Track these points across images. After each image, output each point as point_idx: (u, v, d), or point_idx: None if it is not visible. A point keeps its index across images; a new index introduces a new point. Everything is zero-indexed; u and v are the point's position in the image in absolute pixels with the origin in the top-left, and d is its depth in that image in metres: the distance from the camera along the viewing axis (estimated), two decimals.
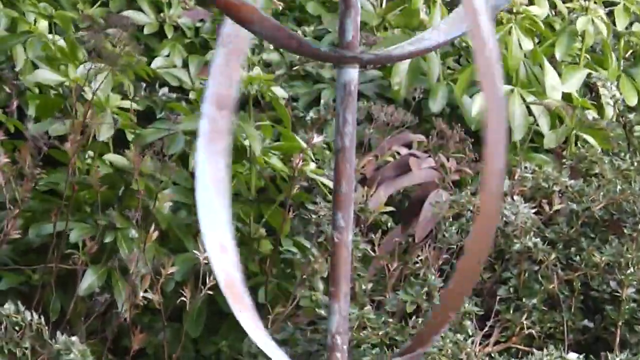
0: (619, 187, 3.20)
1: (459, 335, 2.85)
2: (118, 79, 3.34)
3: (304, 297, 3.11)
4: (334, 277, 2.17)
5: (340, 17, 2.24)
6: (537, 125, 3.63)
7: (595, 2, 3.87)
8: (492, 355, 2.94)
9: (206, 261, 2.95)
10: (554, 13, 4.08)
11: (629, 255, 3.06)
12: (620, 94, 3.72)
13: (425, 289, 3.02)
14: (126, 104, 3.32)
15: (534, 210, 3.16)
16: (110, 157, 3.25)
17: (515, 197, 3.22)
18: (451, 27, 2.48)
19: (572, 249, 3.14)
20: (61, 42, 3.54)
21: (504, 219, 3.16)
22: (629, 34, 4.04)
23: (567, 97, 3.74)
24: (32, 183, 3.10)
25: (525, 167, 3.36)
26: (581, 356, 2.92)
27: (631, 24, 4.08)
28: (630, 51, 4.11)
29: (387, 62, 3.69)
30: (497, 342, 3.03)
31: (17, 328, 2.73)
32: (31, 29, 3.56)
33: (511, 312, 3.06)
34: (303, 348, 3.01)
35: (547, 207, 3.23)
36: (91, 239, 3.04)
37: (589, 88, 3.93)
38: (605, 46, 3.91)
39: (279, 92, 3.45)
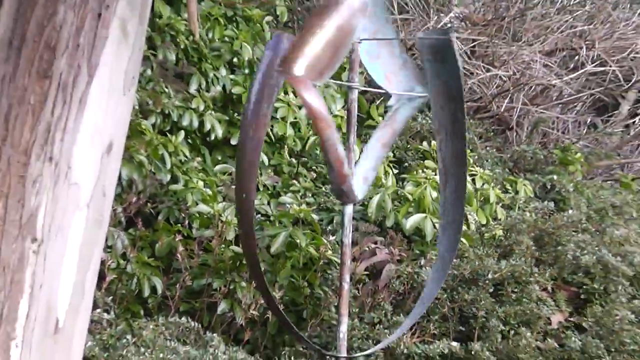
0: (477, 262, 3.35)
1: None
2: None
3: (326, 315, 3.18)
4: (340, 305, 2.30)
5: None
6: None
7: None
8: (416, 343, 3.05)
9: (280, 299, 2.99)
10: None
11: (481, 296, 3.23)
12: (477, 218, 3.75)
13: (384, 311, 3.17)
14: None
15: None
16: (234, 247, 3.28)
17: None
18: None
19: (454, 293, 3.27)
20: (209, 192, 3.52)
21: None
22: (483, 189, 3.89)
23: None
24: (197, 259, 3.18)
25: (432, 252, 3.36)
26: (459, 344, 3.06)
27: (483, 184, 3.89)
28: (482, 197, 3.88)
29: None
30: (417, 337, 3.14)
31: (186, 331, 2.89)
32: (194, 185, 3.52)
33: (425, 322, 3.18)
34: (325, 338, 3.11)
35: None
36: (224, 286, 3.11)
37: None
38: (470, 195, 3.79)
39: (314, 216, 3.48)
